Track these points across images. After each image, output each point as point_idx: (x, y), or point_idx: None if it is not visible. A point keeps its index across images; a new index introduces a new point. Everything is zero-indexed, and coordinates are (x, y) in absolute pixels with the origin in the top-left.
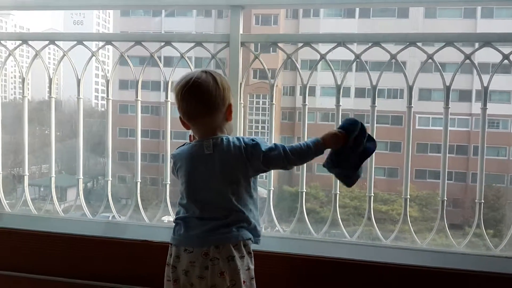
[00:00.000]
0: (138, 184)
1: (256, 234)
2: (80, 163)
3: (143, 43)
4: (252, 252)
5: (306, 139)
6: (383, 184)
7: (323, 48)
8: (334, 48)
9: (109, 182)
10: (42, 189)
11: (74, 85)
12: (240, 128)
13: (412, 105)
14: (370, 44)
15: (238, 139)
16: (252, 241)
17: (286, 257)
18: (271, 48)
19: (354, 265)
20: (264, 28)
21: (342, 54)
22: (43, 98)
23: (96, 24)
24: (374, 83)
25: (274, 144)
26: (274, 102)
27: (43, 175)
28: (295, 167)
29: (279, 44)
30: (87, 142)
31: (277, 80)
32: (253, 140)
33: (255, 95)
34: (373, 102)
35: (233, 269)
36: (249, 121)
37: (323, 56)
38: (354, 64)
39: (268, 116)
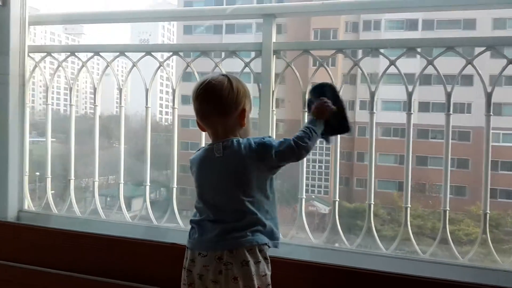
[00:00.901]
0: (174, 189)
1: (273, 237)
2: (148, 172)
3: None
4: (269, 258)
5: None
6: (450, 203)
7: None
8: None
9: (174, 190)
10: (108, 198)
11: (140, 100)
12: (273, 133)
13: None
14: (443, 49)
15: (248, 140)
16: (269, 245)
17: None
18: (330, 62)
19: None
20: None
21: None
22: (111, 113)
23: (161, 42)
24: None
25: (283, 138)
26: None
27: (109, 186)
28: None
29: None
30: (152, 154)
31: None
32: (263, 139)
33: None
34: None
35: (247, 275)
36: None
37: (356, 63)
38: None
39: None
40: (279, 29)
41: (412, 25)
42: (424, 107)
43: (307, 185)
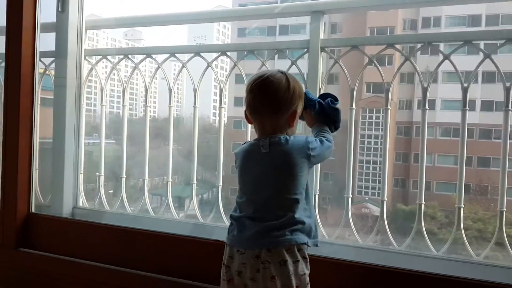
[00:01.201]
0: (220, 188)
1: (312, 235)
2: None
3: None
4: (307, 257)
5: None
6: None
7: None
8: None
9: (220, 188)
10: (163, 198)
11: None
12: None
13: None
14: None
15: (294, 138)
16: (308, 245)
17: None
18: (386, 60)
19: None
20: (380, 13)
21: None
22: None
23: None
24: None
25: (323, 137)
26: (353, 107)
27: (164, 186)
28: None
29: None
30: (204, 155)
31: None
32: (307, 137)
33: (367, 110)
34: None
35: (284, 274)
36: (361, 136)
37: (408, 58)
38: (480, 74)
39: (382, 131)
40: (334, 29)
41: (474, 20)
42: (487, 106)
43: (360, 186)
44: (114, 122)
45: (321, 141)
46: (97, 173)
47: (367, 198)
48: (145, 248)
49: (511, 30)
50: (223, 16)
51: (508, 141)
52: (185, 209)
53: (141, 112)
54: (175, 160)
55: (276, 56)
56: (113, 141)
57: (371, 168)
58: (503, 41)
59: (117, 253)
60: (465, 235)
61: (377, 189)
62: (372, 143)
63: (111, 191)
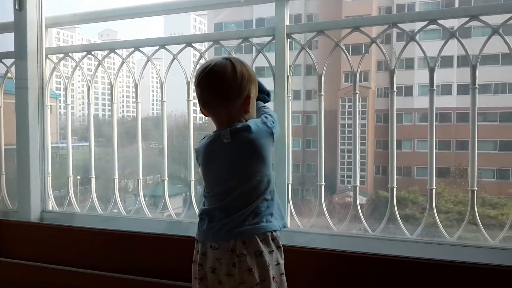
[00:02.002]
0: (192, 183)
1: (282, 217)
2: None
3: (192, 44)
4: (281, 247)
5: None
6: (492, 186)
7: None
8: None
9: (192, 183)
10: (146, 198)
11: (176, 100)
12: (289, 121)
13: None
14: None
15: (255, 121)
16: (281, 228)
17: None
18: (363, 49)
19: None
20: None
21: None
22: (147, 115)
23: None
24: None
25: (265, 116)
26: (323, 93)
27: (147, 186)
28: None
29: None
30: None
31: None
32: (265, 117)
33: (347, 99)
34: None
35: (261, 265)
36: (341, 126)
37: (373, 40)
38: (455, 58)
39: (362, 120)
40: (310, 19)
41: (448, 4)
42: (464, 89)
43: (343, 176)
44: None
45: (271, 116)
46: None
47: (349, 187)
48: (118, 249)
49: (476, 7)
50: (192, 6)
51: (477, 121)
52: (158, 208)
53: (120, 113)
54: (156, 159)
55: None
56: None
57: (352, 157)
58: (467, 18)
59: (89, 256)
60: (447, 218)
61: (359, 177)
62: (358, 132)
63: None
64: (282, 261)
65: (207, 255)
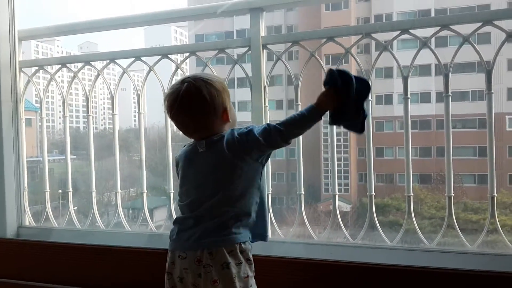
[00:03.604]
0: (171, 194)
1: (260, 230)
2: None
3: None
4: (251, 259)
5: None
6: (473, 192)
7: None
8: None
9: (171, 195)
10: (130, 211)
11: (159, 111)
12: None
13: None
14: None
15: (231, 131)
16: (250, 241)
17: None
18: (343, 59)
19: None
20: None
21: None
22: (129, 127)
23: None
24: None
25: (267, 124)
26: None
27: (131, 198)
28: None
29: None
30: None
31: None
32: (246, 128)
33: None
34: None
35: (227, 277)
36: (324, 134)
37: (347, 50)
38: (433, 67)
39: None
40: (290, 30)
41: (424, 15)
42: (442, 97)
43: (327, 184)
44: (73, 136)
45: (265, 129)
46: (61, 192)
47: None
48: (95, 264)
49: (445, 17)
50: (170, 17)
51: (451, 128)
52: (137, 221)
53: (101, 124)
54: (139, 171)
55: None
56: (75, 157)
57: (335, 165)
58: (438, 28)
59: (66, 271)
60: (430, 223)
61: (343, 185)
62: (335, 140)
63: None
64: (251, 274)
65: (175, 264)
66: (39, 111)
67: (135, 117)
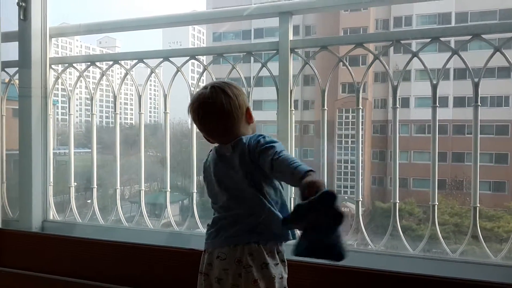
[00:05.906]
0: (194, 195)
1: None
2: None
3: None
4: (286, 261)
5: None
6: (488, 199)
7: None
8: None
9: (194, 195)
10: (149, 207)
11: (173, 109)
12: (292, 134)
13: None
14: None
15: (253, 136)
16: (289, 239)
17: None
18: (360, 60)
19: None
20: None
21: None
22: (145, 123)
23: None
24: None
25: (274, 144)
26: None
27: (144, 193)
28: None
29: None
30: (182, 161)
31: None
32: (268, 143)
33: (344, 110)
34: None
35: (267, 277)
36: (338, 136)
37: (377, 57)
38: (452, 71)
39: (363, 131)
40: (308, 30)
41: (444, 18)
42: (459, 102)
43: (339, 186)
44: (89, 131)
45: (270, 147)
46: (69, 185)
47: (346, 198)
48: (118, 261)
49: (476, 25)
50: (194, 19)
51: (479, 136)
52: (160, 218)
53: (124, 120)
54: (153, 166)
55: (252, 59)
56: (89, 150)
57: (349, 168)
58: (469, 37)
59: (89, 267)
60: (443, 229)
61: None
62: (350, 142)
63: (89, 201)
64: (285, 275)
65: (213, 265)
66: (57, 104)
67: (151, 113)
